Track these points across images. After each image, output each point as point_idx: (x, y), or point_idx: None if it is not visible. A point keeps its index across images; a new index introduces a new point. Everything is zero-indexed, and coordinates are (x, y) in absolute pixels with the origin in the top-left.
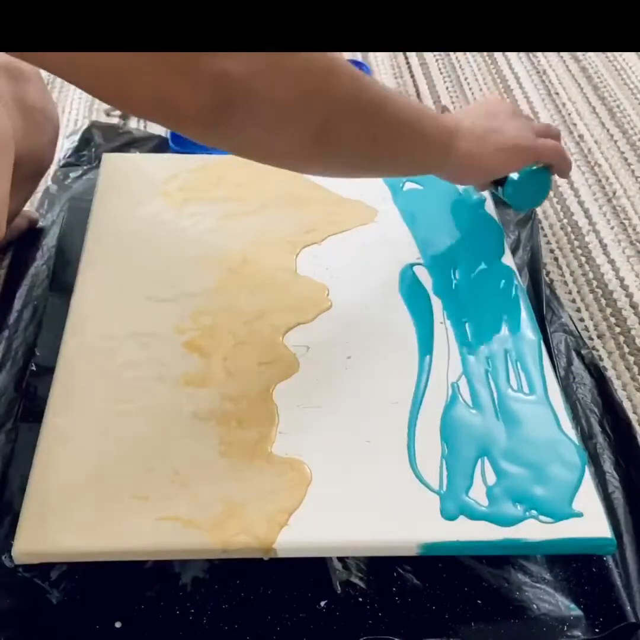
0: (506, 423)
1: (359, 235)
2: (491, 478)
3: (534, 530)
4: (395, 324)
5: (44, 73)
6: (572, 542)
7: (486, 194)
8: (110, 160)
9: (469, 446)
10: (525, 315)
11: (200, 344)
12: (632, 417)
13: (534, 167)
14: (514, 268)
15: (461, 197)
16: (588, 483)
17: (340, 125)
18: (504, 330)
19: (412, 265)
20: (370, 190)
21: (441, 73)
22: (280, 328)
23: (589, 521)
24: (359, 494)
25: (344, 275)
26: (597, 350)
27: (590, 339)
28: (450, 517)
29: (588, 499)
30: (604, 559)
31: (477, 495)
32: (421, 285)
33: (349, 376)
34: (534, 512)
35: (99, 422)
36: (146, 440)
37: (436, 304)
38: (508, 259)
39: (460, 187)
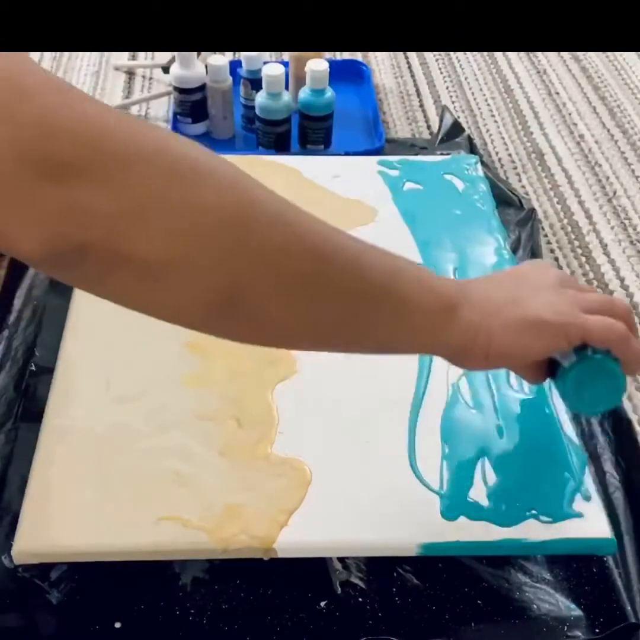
0: (506, 423)
1: (359, 235)
2: (491, 478)
3: (534, 530)
4: None
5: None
6: (573, 542)
7: (484, 187)
8: None
9: (469, 446)
10: None
11: (201, 344)
12: (632, 417)
13: (597, 355)
14: (513, 261)
15: (461, 197)
16: (588, 483)
17: (259, 285)
18: None
19: None
20: (370, 190)
21: (441, 73)
22: None
23: (589, 521)
24: (359, 494)
25: None
26: None
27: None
28: (450, 517)
29: (588, 499)
30: (604, 559)
31: (477, 495)
32: None
33: (349, 376)
34: (534, 512)
35: (99, 422)
36: (146, 440)
37: None
38: (509, 258)
39: (460, 187)
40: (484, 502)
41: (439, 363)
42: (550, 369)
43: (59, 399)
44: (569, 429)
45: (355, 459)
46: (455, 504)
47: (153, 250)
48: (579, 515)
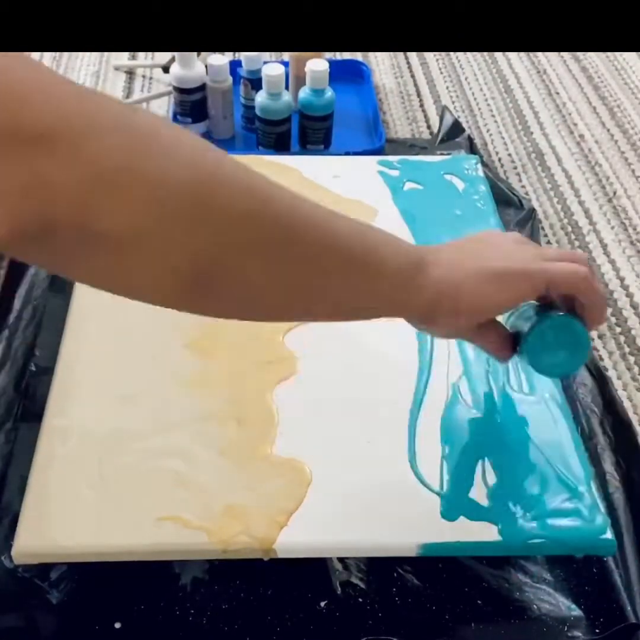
0: (506, 423)
1: None
2: (491, 478)
3: (533, 531)
4: (395, 324)
5: None
6: (572, 543)
7: (484, 187)
8: None
9: (469, 447)
10: None
11: (201, 344)
12: (633, 417)
13: (559, 313)
14: None
15: (461, 197)
16: (589, 483)
17: (227, 254)
18: None
19: None
20: (370, 190)
21: (441, 73)
22: (280, 328)
23: (589, 522)
24: (359, 494)
25: None
26: (598, 350)
27: (591, 339)
28: (450, 517)
29: (588, 499)
30: (604, 559)
31: (477, 495)
32: None
33: (349, 376)
34: (533, 512)
35: (99, 422)
36: (146, 440)
37: None
38: None
39: (460, 187)
40: (484, 502)
41: (439, 363)
42: (515, 343)
43: (59, 399)
44: (569, 429)
45: (355, 459)
46: (455, 504)
47: (119, 223)
48: (579, 515)
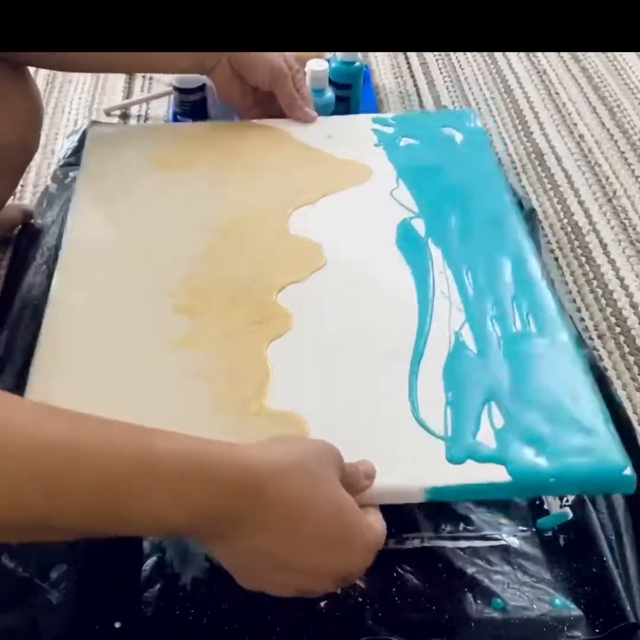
0: (512, 365)
1: (354, 194)
2: (499, 421)
3: (545, 469)
4: (393, 276)
5: (42, 70)
6: (589, 480)
7: (483, 139)
8: (98, 130)
9: (475, 391)
10: (528, 256)
11: (193, 306)
12: (632, 417)
13: None
14: (515, 208)
15: (460, 149)
16: (605, 420)
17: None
18: (507, 273)
19: (409, 218)
20: (365, 149)
21: (441, 73)
22: (274, 287)
23: (607, 458)
24: (361, 445)
25: (338, 233)
26: (597, 350)
27: (591, 338)
28: (456, 460)
29: (605, 435)
30: (604, 559)
31: (485, 438)
32: (419, 235)
33: (346, 332)
34: (546, 450)
35: (89, 385)
36: (138, 402)
37: (436, 254)
38: (508, 201)
39: (458, 139)
40: (492, 444)
41: (440, 313)
42: None
43: (47, 361)
44: (579, 364)
45: (354, 411)
46: (461, 447)
47: None
48: (596, 451)
